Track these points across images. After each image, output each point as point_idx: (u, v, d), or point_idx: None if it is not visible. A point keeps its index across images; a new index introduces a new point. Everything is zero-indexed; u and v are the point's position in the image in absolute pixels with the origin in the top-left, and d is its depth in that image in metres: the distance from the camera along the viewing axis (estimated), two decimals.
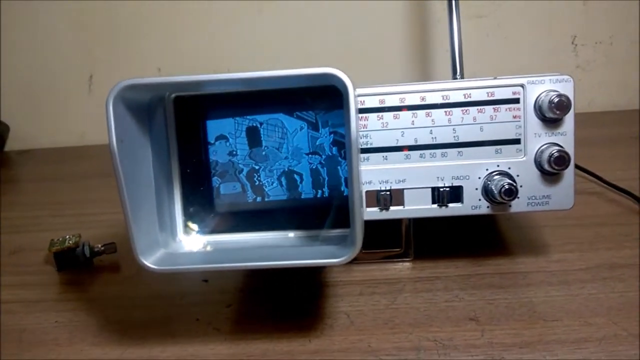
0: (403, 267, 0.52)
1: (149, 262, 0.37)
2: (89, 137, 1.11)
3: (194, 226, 0.45)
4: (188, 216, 0.46)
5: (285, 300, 0.49)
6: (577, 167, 0.44)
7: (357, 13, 1.04)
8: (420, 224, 0.52)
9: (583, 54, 1.06)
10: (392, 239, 0.53)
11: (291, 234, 0.46)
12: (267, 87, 0.39)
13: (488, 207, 0.45)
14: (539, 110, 0.44)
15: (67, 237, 0.57)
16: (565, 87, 0.44)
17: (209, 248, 0.44)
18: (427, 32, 1.04)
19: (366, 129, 0.45)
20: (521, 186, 0.45)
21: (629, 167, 0.72)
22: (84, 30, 1.07)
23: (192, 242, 0.45)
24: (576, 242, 0.54)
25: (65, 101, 1.11)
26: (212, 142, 0.48)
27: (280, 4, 1.05)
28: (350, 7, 1.04)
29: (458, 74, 0.68)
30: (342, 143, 0.48)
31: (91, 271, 0.56)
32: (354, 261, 0.52)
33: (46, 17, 1.07)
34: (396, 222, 0.52)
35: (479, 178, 0.45)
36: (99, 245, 0.57)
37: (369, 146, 0.45)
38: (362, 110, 0.45)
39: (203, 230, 0.46)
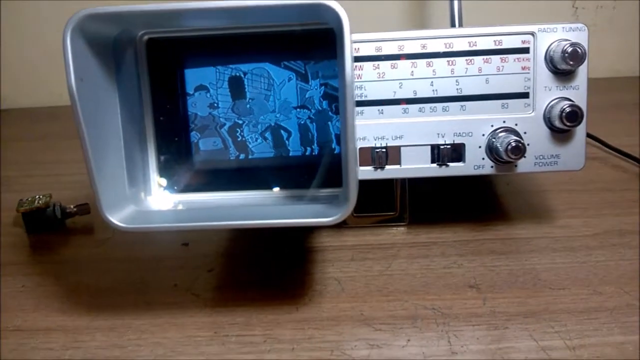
0: (397, 232, 0.48)
1: (115, 219, 0.33)
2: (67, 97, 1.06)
3: (169, 182, 0.41)
4: (163, 172, 0.42)
5: (270, 265, 0.45)
6: None
7: None
8: (413, 187, 0.49)
9: (584, 17, 1.02)
10: (385, 202, 0.49)
11: (277, 193, 0.42)
12: (252, 22, 0.35)
13: (492, 166, 0.42)
14: (550, 61, 0.40)
15: (37, 197, 0.53)
16: (579, 36, 0.41)
17: (184, 206, 0.40)
18: None
19: (361, 80, 0.41)
20: (528, 144, 0.41)
21: (633, 133, 0.69)
22: None
23: (167, 199, 0.41)
24: (581, 207, 0.51)
25: (47, 60, 1.05)
26: (191, 92, 0.44)
27: None
28: None
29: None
30: (333, 96, 0.44)
31: (63, 233, 0.52)
32: (345, 225, 0.49)
33: None
34: (390, 184, 0.48)
35: (483, 135, 0.41)
36: (71, 206, 0.53)
37: (363, 99, 0.42)
38: (356, 59, 0.41)
39: (179, 188, 0.42)
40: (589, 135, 0.65)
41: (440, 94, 0.41)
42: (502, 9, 1.01)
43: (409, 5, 1.00)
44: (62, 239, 0.52)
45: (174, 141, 0.43)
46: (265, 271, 0.44)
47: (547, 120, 0.41)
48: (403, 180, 0.48)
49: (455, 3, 0.62)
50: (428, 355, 0.34)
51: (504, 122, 0.41)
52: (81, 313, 0.40)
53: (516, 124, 0.41)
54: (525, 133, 0.41)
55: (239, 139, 0.44)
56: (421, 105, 0.41)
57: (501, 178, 0.57)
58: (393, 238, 0.48)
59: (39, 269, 0.46)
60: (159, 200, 0.40)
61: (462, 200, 0.54)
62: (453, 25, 0.62)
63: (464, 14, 0.70)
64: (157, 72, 0.41)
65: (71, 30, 0.30)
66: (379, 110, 0.42)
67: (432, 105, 0.41)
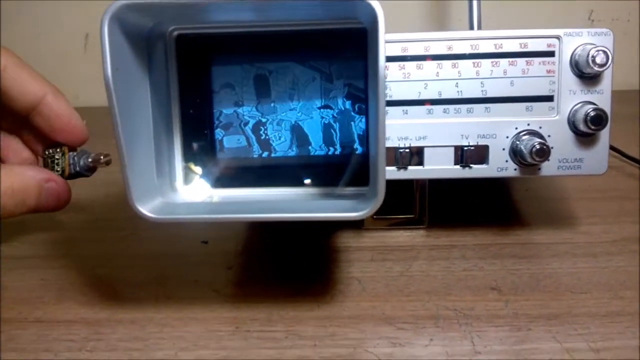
0: (417, 234, 0.48)
1: (146, 210, 0.33)
2: (83, 99, 1.06)
3: (197, 170, 0.41)
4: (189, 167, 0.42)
5: (290, 264, 0.45)
6: None
7: None
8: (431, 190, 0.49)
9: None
10: (404, 205, 0.49)
11: (301, 190, 0.42)
12: (280, 18, 0.35)
13: (515, 169, 0.42)
14: (575, 65, 0.41)
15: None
16: (605, 40, 0.41)
17: (210, 199, 0.40)
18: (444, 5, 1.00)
19: (386, 80, 0.41)
20: (552, 147, 0.41)
21: None
22: None
23: (192, 192, 0.41)
24: (600, 214, 0.51)
25: (59, 61, 1.06)
26: (217, 90, 0.44)
27: None
28: None
29: None
30: (356, 97, 0.44)
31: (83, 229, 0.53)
32: (362, 227, 0.49)
33: None
34: (410, 187, 0.48)
35: (507, 137, 0.41)
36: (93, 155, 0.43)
37: (388, 98, 0.42)
38: None
39: (204, 182, 0.43)
40: None
41: (465, 95, 0.41)
42: (518, 21, 1.01)
43: (427, 6, 1.01)
44: (83, 235, 0.52)
45: (200, 137, 0.43)
46: (285, 270, 0.44)
47: (572, 123, 0.41)
48: (423, 183, 0.48)
49: (475, 6, 0.62)
50: (451, 355, 0.34)
51: (528, 124, 0.41)
52: (102, 306, 0.40)
53: (540, 127, 0.41)
54: (549, 136, 0.41)
55: (262, 137, 0.45)
56: (446, 107, 0.42)
57: (520, 185, 0.57)
58: (413, 240, 0.48)
59: (60, 263, 0.46)
60: (185, 193, 0.41)
61: (481, 206, 0.54)
62: (471, 28, 0.62)
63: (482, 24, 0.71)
64: (185, 68, 0.42)
65: (109, 19, 0.30)
66: (403, 110, 0.42)
67: (457, 106, 0.42)
